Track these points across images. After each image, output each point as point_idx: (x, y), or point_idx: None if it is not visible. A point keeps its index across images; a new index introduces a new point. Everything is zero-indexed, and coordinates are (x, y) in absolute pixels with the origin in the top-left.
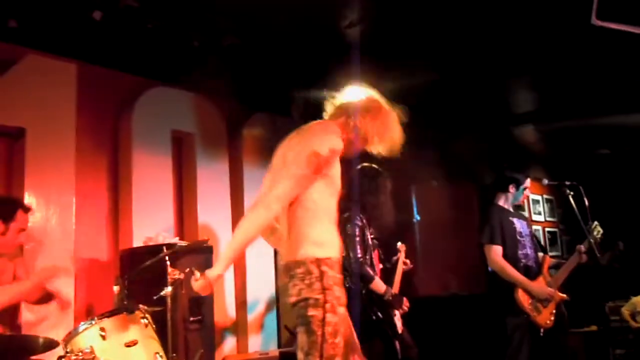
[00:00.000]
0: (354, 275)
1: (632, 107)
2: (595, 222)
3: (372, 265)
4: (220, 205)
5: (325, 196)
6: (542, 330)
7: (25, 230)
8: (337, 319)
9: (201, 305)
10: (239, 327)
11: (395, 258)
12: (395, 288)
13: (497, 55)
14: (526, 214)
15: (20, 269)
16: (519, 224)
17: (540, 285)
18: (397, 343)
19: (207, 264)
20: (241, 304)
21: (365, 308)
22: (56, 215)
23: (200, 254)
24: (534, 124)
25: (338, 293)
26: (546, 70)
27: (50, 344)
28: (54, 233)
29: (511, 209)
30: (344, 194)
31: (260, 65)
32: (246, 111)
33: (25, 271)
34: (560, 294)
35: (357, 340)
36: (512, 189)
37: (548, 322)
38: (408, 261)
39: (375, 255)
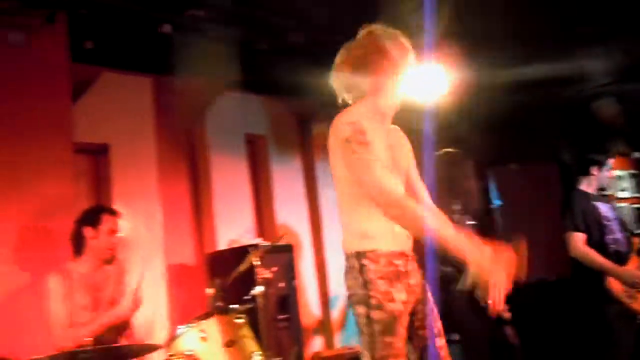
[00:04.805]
0: (457, 263)
1: None
2: None
3: None
4: (297, 203)
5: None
6: (638, 317)
7: (115, 232)
8: (385, 316)
9: (288, 303)
10: (324, 324)
11: None
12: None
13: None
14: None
15: (118, 284)
16: (604, 208)
17: (628, 271)
18: (508, 329)
19: (290, 262)
20: (324, 300)
21: (474, 296)
22: (144, 224)
23: (283, 252)
24: (614, 95)
25: (385, 288)
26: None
27: (151, 348)
28: (144, 242)
29: (594, 193)
30: (433, 184)
31: (326, 61)
32: (314, 107)
33: (120, 280)
34: None
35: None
36: (595, 171)
37: None
38: None
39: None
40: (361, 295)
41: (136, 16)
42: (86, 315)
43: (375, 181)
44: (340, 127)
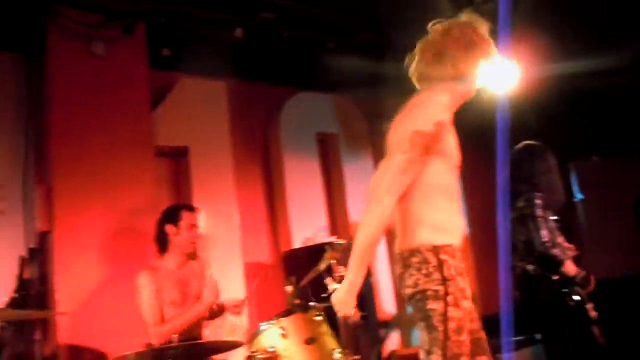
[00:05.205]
0: (540, 260)
1: None
2: None
3: (559, 247)
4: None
5: (440, 174)
6: None
7: (196, 227)
8: (461, 314)
9: (364, 301)
10: (400, 322)
11: None
12: None
13: None
14: None
15: (202, 278)
16: None
17: None
18: (595, 328)
19: None
20: (400, 297)
21: (559, 294)
22: (223, 225)
23: None
24: None
25: (462, 284)
26: None
27: (234, 345)
28: (222, 242)
29: None
30: (513, 176)
31: (394, 58)
32: (383, 105)
33: (203, 274)
34: None
35: (485, 339)
36: None
37: None
38: None
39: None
40: (437, 291)
41: (210, 22)
42: (175, 310)
43: (386, 187)
44: (422, 119)
